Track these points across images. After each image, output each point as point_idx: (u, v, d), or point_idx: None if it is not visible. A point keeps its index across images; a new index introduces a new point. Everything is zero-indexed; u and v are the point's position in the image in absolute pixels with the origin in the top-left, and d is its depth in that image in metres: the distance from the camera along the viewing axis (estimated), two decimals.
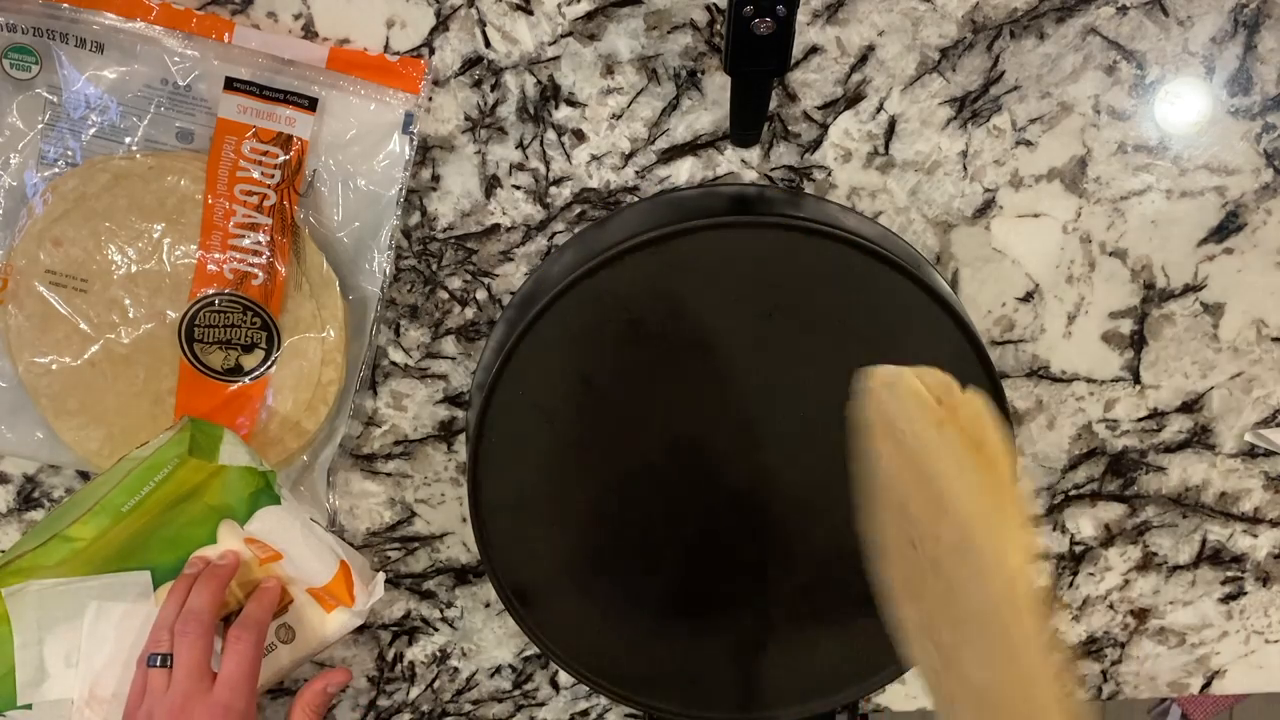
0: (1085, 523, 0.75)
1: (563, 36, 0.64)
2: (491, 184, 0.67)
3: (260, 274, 0.64)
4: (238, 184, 0.63)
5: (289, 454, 0.68)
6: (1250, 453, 0.74)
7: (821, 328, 0.62)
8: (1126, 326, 0.71)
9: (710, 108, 0.66)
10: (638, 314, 0.62)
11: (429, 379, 0.71)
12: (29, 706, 0.61)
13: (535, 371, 0.63)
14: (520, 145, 0.66)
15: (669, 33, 0.64)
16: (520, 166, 0.67)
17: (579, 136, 0.66)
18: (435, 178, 0.67)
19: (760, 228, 0.61)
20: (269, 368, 0.66)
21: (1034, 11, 0.64)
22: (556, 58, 0.65)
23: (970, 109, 0.66)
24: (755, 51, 0.55)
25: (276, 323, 0.65)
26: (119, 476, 0.61)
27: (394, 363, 0.70)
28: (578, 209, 0.68)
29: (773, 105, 0.65)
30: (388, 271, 0.67)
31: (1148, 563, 0.76)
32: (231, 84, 0.62)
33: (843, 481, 0.58)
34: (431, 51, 0.64)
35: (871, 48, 0.65)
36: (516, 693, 0.78)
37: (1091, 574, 0.76)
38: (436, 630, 0.77)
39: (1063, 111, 0.66)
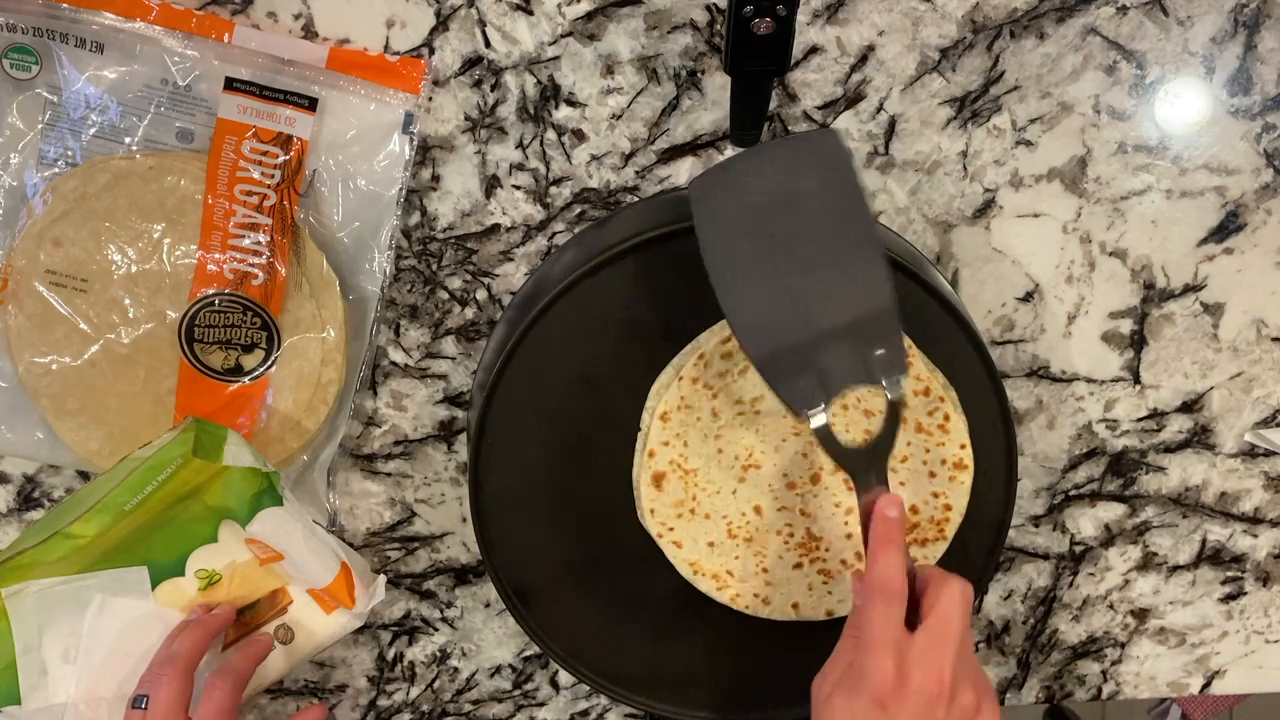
0: (1085, 523, 0.75)
1: (563, 36, 0.64)
2: (491, 184, 0.67)
3: (260, 274, 0.64)
4: (238, 184, 0.63)
5: (289, 454, 0.68)
6: (1250, 453, 0.74)
7: None
8: (1126, 326, 0.71)
9: (710, 108, 0.66)
10: (638, 314, 0.62)
11: (429, 379, 0.71)
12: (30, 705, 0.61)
13: (536, 371, 0.63)
14: (520, 145, 0.66)
15: (669, 33, 0.64)
16: (520, 166, 0.67)
17: (579, 136, 0.66)
18: (435, 178, 0.67)
19: None
20: (269, 368, 0.66)
21: (1034, 11, 0.64)
22: (556, 58, 0.65)
23: (970, 109, 0.66)
24: (755, 51, 0.55)
25: (276, 323, 0.65)
26: (121, 475, 0.60)
27: (394, 363, 0.70)
28: (578, 209, 0.68)
29: (773, 105, 0.65)
30: (388, 271, 0.67)
31: (1148, 563, 0.76)
32: (231, 84, 0.62)
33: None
34: (431, 51, 0.64)
35: (871, 48, 0.65)
36: (516, 693, 0.78)
37: (1091, 574, 0.76)
38: (436, 630, 0.77)
39: (1063, 111, 0.66)
